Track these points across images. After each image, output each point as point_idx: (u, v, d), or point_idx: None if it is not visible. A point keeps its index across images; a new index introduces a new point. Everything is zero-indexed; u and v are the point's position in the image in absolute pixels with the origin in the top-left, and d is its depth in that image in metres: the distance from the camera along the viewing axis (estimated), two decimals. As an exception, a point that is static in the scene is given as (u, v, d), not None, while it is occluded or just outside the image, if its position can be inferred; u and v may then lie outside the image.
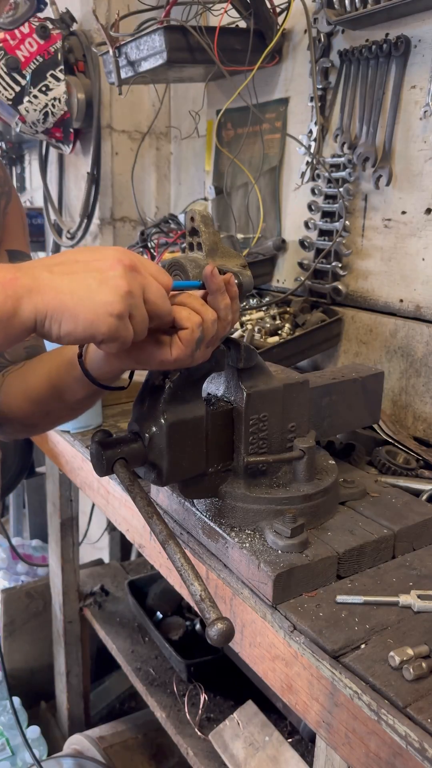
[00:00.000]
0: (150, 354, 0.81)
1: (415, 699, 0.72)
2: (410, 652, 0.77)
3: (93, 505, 2.52)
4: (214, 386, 1.02)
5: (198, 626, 1.86)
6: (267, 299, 1.90)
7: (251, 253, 1.92)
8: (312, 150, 1.74)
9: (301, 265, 1.83)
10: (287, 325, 1.68)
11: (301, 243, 1.80)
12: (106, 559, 2.79)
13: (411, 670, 0.74)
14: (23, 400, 1.03)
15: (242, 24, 1.81)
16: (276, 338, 1.64)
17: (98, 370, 0.90)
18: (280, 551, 0.92)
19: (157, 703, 1.62)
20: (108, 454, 0.88)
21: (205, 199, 2.29)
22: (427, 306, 1.49)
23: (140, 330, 0.74)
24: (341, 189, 1.65)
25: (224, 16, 1.71)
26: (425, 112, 1.44)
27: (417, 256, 1.50)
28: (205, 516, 1.02)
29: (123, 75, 1.91)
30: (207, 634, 0.72)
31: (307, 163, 1.79)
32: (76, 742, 1.90)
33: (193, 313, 0.81)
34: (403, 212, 1.52)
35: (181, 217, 2.15)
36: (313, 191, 1.77)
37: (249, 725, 1.41)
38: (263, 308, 1.81)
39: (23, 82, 2.19)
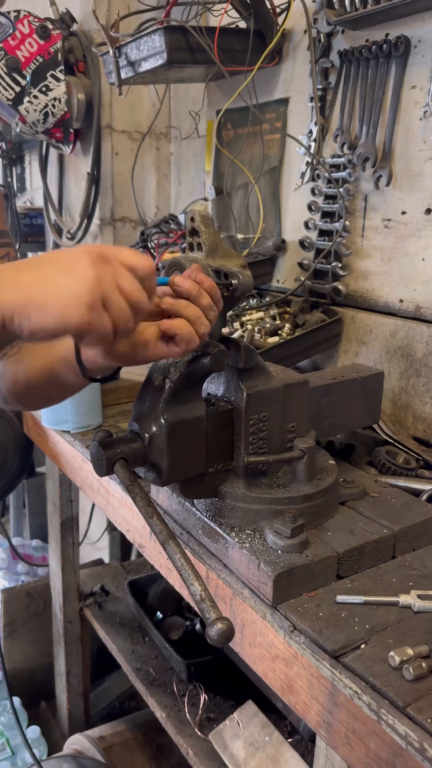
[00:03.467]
0: (136, 354, 0.84)
1: (415, 699, 0.72)
2: (410, 652, 0.77)
3: (93, 505, 2.52)
4: (214, 386, 1.02)
5: (198, 626, 1.86)
6: (267, 299, 1.90)
7: (251, 253, 1.92)
8: (312, 150, 1.74)
9: (301, 265, 1.83)
10: (287, 326, 1.69)
11: (301, 243, 1.80)
12: (106, 559, 2.79)
13: (411, 670, 0.75)
14: (21, 386, 1.05)
15: (242, 24, 1.81)
16: (276, 338, 1.64)
17: (92, 364, 0.92)
18: (280, 551, 0.92)
19: (157, 703, 1.62)
20: (108, 454, 0.88)
21: (205, 199, 2.29)
22: (427, 306, 1.49)
23: (122, 320, 0.73)
24: (341, 189, 1.65)
25: (224, 16, 1.71)
26: (425, 112, 1.44)
27: (417, 256, 1.50)
28: (205, 516, 1.02)
29: (123, 75, 1.91)
30: (207, 634, 0.72)
31: (307, 163, 1.79)
32: (76, 742, 1.90)
33: (185, 323, 0.83)
34: (403, 212, 1.53)
35: (181, 218, 2.15)
36: (313, 191, 1.77)
37: (249, 725, 1.41)
38: (263, 308, 1.81)
39: (23, 83, 2.19)
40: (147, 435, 0.90)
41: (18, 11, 2.16)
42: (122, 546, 2.82)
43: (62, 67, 2.24)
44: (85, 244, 0.74)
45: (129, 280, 0.74)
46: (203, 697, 1.58)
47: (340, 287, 1.70)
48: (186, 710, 1.57)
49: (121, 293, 0.72)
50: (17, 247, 2.93)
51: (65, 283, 0.68)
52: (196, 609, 0.76)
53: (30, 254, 3.28)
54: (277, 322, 1.72)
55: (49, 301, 0.67)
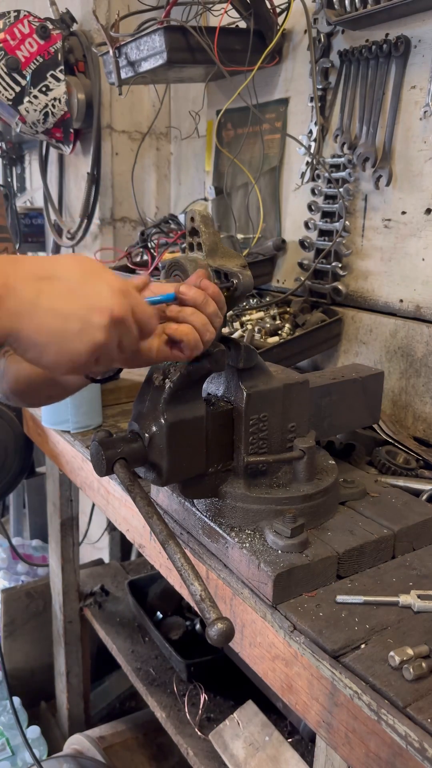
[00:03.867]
0: (139, 357, 0.84)
1: (415, 699, 0.72)
2: (410, 652, 0.77)
3: (93, 505, 2.52)
4: (214, 386, 1.02)
5: (198, 626, 1.86)
6: (267, 299, 1.90)
7: (251, 253, 1.92)
8: (312, 150, 1.74)
9: (301, 265, 1.83)
10: (287, 326, 1.68)
11: (301, 243, 1.80)
12: (106, 559, 2.79)
13: (411, 670, 0.75)
14: (23, 384, 1.06)
15: (242, 24, 1.81)
16: (276, 338, 1.64)
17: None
18: (280, 551, 0.92)
19: (157, 703, 1.62)
20: (108, 454, 0.88)
21: (205, 199, 2.29)
22: (427, 306, 1.49)
23: (128, 348, 0.75)
24: (341, 189, 1.65)
25: (224, 16, 1.71)
26: (425, 112, 1.44)
27: (417, 256, 1.50)
28: (205, 516, 1.02)
29: (123, 75, 1.91)
30: (207, 634, 0.72)
31: (307, 163, 1.79)
32: (76, 742, 1.90)
33: (191, 330, 0.83)
34: (403, 212, 1.53)
35: (181, 218, 2.15)
36: (313, 191, 1.77)
37: (249, 725, 1.41)
38: (263, 308, 1.81)
39: (23, 83, 2.19)
40: (147, 435, 0.90)
41: (18, 11, 2.16)
42: (122, 546, 2.82)
43: (62, 67, 2.24)
44: (112, 284, 0.72)
45: (144, 308, 0.75)
46: (203, 697, 1.58)
47: (340, 287, 1.70)
48: (186, 710, 1.57)
49: (135, 320, 0.74)
50: (17, 247, 2.94)
51: (72, 342, 0.69)
52: (196, 609, 0.76)
53: (30, 254, 3.29)
54: (277, 322, 1.72)
55: (48, 352, 0.68)
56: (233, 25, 1.84)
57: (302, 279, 1.78)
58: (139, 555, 2.59)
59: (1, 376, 1.10)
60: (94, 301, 0.70)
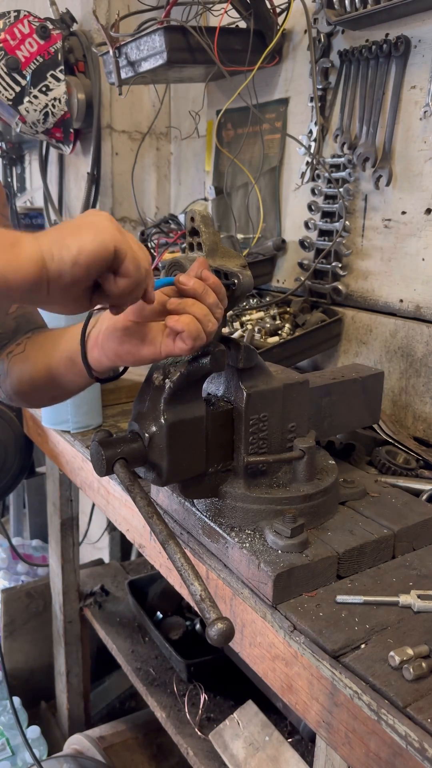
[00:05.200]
0: (143, 353, 0.87)
1: (415, 699, 0.72)
2: (410, 652, 0.77)
3: (93, 505, 2.52)
4: (214, 386, 1.02)
5: (198, 626, 1.86)
6: (267, 299, 1.90)
7: (251, 253, 1.92)
8: (312, 150, 1.74)
9: (301, 265, 1.83)
10: (287, 325, 1.68)
11: (301, 243, 1.80)
12: (106, 559, 2.79)
13: (411, 670, 0.75)
14: (26, 385, 1.07)
15: (242, 24, 1.81)
16: (276, 338, 1.64)
17: (98, 365, 0.93)
18: (280, 551, 0.92)
19: (157, 703, 1.62)
20: (108, 454, 0.88)
21: (205, 199, 2.29)
22: (427, 306, 1.49)
23: (135, 266, 0.76)
24: (341, 189, 1.65)
25: (224, 16, 1.71)
26: (425, 112, 1.44)
27: (417, 256, 1.50)
28: (205, 516, 1.02)
29: (123, 75, 1.91)
30: (207, 634, 0.72)
31: (307, 163, 1.79)
32: (76, 742, 1.90)
33: (192, 320, 0.84)
34: (403, 212, 1.53)
35: (181, 218, 2.15)
36: (313, 191, 1.77)
37: (249, 725, 1.41)
38: (263, 308, 1.81)
39: (23, 83, 2.19)
40: (147, 435, 0.90)
41: (18, 11, 2.16)
42: (122, 546, 2.82)
43: (62, 67, 2.24)
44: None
45: (135, 240, 0.79)
46: (203, 697, 1.58)
47: (340, 287, 1.70)
48: (186, 710, 1.57)
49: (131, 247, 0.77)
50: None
51: (93, 219, 0.74)
52: (196, 609, 0.76)
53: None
54: (277, 322, 1.72)
55: (84, 230, 0.72)
56: (233, 25, 1.84)
57: (302, 279, 1.78)
58: (139, 555, 2.59)
59: (3, 378, 1.10)
60: (94, 219, 0.75)
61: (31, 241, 0.70)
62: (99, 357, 0.93)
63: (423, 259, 1.49)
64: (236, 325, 1.76)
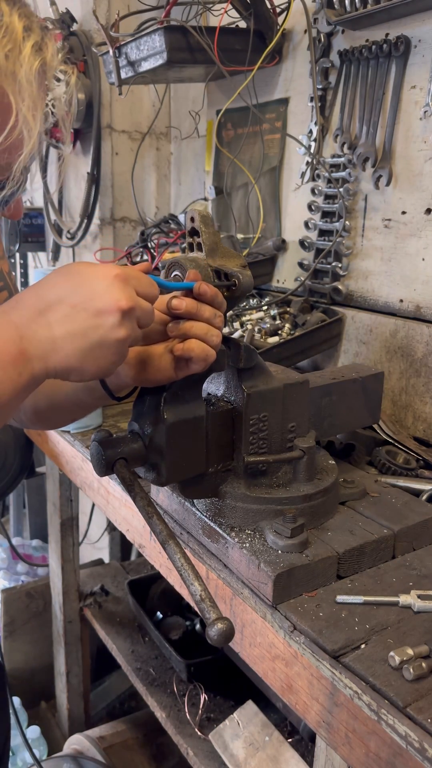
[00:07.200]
0: (159, 377, 0.88)
1: (415, 699, 0.72)
2: (410, 652, 0.77)
3: (93, 505, 2.52)
4: (214, 386, 1.02)
5: (198, 626, 1.86)
6: (267, 299, 1.90)
7: (251, 253, 1.92)
8: (312, 150, 1.74)
9: (301, 265, 1.83)
10: (287, 325, 1.68)
11: (301, 243, 1.80)
12: (106, 559, 2.79)
13: (411, 670, 0.75)
14: (43, 412, 1.06)
15: (242, 24, 1.81)
16: (276, 338, 1.64)
17: (117, 389, 0.93)
18: (280, 551, 0.92)
19: (157, 703, 1.62)
20: (108, 454, 0.88)
21: (205, 199, 2.29)
22: (427, 306, 1.49)
23: (146, 322, 0.77)
24: (341, 189, 1.65)
25: (224, 16, 1.71)
26: (425, 112, 1.44)
27: (417, 256, 1.50)
28: (205, 516, 1.02)
29: (123, 75, 1.91)
30: (207, 634, 0.72)
31: (307, 163, 1.79)
32: (76, 742, 1.90)
33: (197, 344, 0.85)
34: (403, 212, 1.53)
35: (181, 217, 2.15)
36: (313, 191, 1.77)
37: (249, 725, 1.41)
38: (263, 308, 1.81)
39: (23, 82, 2.18)
40: (147, 435, 0.90)
41: (18, 11, 2.16)
42: (122, 546, 2.82)
43: (62, 67, 2.24)
44: (108, 278, 0.73)
45: (146, 282, 0.77)
46: (203, 697, 1.58)
47: (340, 287, 1.70)
48: (186, 710, 1.57)
49: (141, 295, 0.75)
50: (17, 247, 2.94)
51: (100, 353, 0.71)
52: (196, 609, 0.76)
53: (29, 254, 3.29)
54: (277, 322, 1.72)
55: (87, 368, 0.71)
56: (233, 25, 1.84)
57: (302, 279, 1.78)
58: (139, 555, 2.59)
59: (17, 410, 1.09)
60: (98, 303, 0.70)
61: (44, 365, 0.70)
62: (117, 382, 0.92)
63: (423, 259, 1.49)
64: (236, 325, 1.76)
